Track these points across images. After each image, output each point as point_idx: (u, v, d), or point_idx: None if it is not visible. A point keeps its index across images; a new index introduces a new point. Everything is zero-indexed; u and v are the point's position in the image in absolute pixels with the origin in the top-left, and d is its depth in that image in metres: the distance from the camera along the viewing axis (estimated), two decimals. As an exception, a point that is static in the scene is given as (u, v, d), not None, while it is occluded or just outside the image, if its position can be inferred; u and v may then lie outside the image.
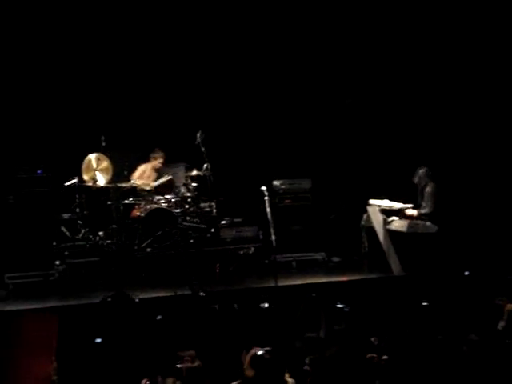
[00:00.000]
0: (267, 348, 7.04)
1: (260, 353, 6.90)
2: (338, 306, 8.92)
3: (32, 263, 11.38)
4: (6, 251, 11.47)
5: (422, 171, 11.37)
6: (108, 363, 7.92)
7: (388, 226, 11.28)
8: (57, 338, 7.24)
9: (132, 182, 12.19)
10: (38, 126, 12.76)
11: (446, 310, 9.23)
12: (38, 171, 11.91)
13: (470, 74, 13.23)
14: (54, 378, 7.03)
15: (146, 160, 12.48)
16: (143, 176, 12.40)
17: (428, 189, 11.29)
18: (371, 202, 11.51)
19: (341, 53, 13.59)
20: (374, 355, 7.04)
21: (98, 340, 8.30)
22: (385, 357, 7.11)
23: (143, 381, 6.78)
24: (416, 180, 11.41)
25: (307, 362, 6.92)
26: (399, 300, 9.73)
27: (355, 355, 6.99)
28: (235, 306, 9.34)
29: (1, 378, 6.94)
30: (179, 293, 10.00)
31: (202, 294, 9.87)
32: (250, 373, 6.63)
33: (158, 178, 12.40)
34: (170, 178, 12.23)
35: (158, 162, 12.44)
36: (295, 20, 13.50)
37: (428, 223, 11.21)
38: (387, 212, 11.38)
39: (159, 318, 8.98)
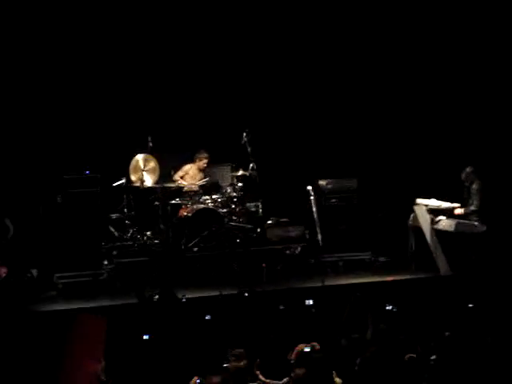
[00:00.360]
0: (314, 343, 7.08)
1: (307, 349, 6.94)
2: (387, 307, 8.85)
3: (81, 263, 11.50)
4: (56, 251, 11.61)
5: (468, 169, 11.33)
6: (156, 362, 7.98)
7: (435, 226, 11.22)
8: (105, 339, 7.31)
9: (178, 182, 12.31)
10: (86, 127, 12.91)
11: (495, 311, 9.13)
12: (87, 172, 12.04)
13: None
14: (103, 377, 7.10)
15: (191, 160, 12.58)
16: (186, 176, 12.49)
17: (474, 186, 11.23)
18: (418, 201, 11.45)
19: (388, 53, 13.53)
20: (413, 355, 7.02)
21: (146, 337, 8.37)
22: (433, 357, 7.08)
23: (194, 378, 6.83)
24: (463, 177, 11.37)
25: (357, 362, 6.92)
26: (447, 300, 9.65)
27: (398, 355, 6.97)
28: (281, 307, 9.32)
29: (54, 377, 7.03)
30: (225, 293, 10.05)
31: (246, 294, 9.91)
32: (299, 371, 6.67)
33: (203, 178, 12.50)
34: (206, 180, 12.36)
35: (202, 163, 12.52)
36: (335, 21, 13.49)
37: (476, 223, 11.13)
38: (434, 211, 11.31)
39: (208, 317, 9.02)
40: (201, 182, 12.36)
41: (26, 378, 7.78)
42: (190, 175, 12.53)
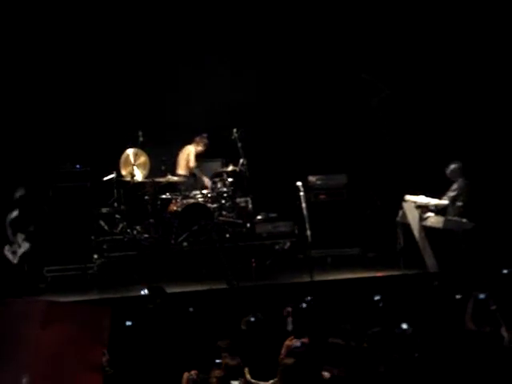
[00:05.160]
0: (304, 340, 7.12)
1: (297, 344, 6.98)
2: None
3: (70, 257, 11.54)
4: (46, 245, 11.63)
5: (453, 166, 11.41)
6: (150, 356, 8.04)
7: (423, 223, 11.30)
8: (109, 331, 7.29)
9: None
10: (76, 122, 12.94)
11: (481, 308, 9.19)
12: (77, 166, 12.07)
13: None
14: (107, 369, 7.10)
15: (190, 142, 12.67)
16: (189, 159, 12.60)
17: (455, 185, 11.32)
18: (407, 197, 11.52)
19: (374, 48, 13.57)
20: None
21: (129, 323, 8.40)
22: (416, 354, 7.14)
23: (192, 372, 6.87)
24: (448, 174, 11.45)
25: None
26: (434, 296, 9.73)
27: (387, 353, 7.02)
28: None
29: (58, 369, 6.99)
30: (215, 287, 10.11)
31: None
32: (288, 361, 6.70)
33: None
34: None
35: (200, 148, 12.59)
36: (325, 20, 13.54)
37: (464, 220, 11.22)
38: (423, 208, 11.38)
39: (191, 309, 9.07)
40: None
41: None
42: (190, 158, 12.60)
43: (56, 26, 12.80)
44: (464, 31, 13.12)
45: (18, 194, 11.20)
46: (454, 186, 11.35)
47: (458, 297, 9.02)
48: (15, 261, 10.88)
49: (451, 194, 11.32)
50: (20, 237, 10.99)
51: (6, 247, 10.89)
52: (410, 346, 7.16)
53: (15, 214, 11.06)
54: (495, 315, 7.58)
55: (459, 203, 11.29)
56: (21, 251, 10.96)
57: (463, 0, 13.18)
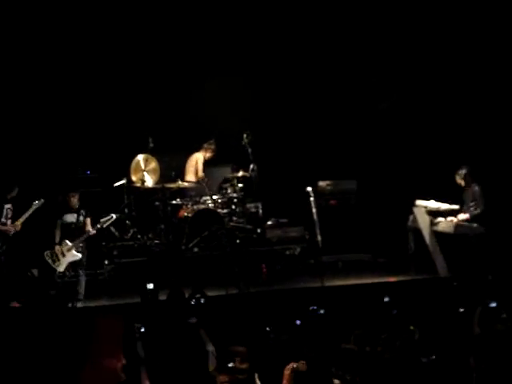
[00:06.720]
0: (302, 362, 7.04)
1: (297, 365, 6.88)
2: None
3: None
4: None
5: (464, 171, 11.35)
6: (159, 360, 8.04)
7: (434, 227, 11.27)
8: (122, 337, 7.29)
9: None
10: (87, 128, 12.97)
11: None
12: (87, 172, 12.09)
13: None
14: (122, 374, 7.08)
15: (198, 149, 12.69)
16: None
17: (477, 188, 11.24)
18: (418, 202, 11.50)
19: (382, 54, 13.58)
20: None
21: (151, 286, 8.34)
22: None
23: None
24: (460, 179, 11.38)
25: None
26: (445, 301, 9.71)
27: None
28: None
29: (75, 375, 7.01)
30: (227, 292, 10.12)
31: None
32: (301, 366, 6.67)
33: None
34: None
35: (209, 154, 12.61)
36: (334, 27, 13.55)
37: (475, 224, 11.18)
38: (433, 213, 11.36)
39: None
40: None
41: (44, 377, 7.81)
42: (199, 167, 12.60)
43: (70, 35, 12.87)
44: (477, 38, 13.10)
45: (76, 198, 10.96)
46: (470, 194, 11.26)
47: (461, 310, 8.98)
48: (61, 269, 10.65)
49: (471, 204, 11.23)
50: (65, 244, 10.74)
51: (47, 253, 10.73)
52: (419, 351, 7.15)
53: (69, 218, 10.94)
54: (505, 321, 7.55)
55: (477, 209, 11.23)
56: (67, 260, 10.68)
57: (475, 5, 13.15)
